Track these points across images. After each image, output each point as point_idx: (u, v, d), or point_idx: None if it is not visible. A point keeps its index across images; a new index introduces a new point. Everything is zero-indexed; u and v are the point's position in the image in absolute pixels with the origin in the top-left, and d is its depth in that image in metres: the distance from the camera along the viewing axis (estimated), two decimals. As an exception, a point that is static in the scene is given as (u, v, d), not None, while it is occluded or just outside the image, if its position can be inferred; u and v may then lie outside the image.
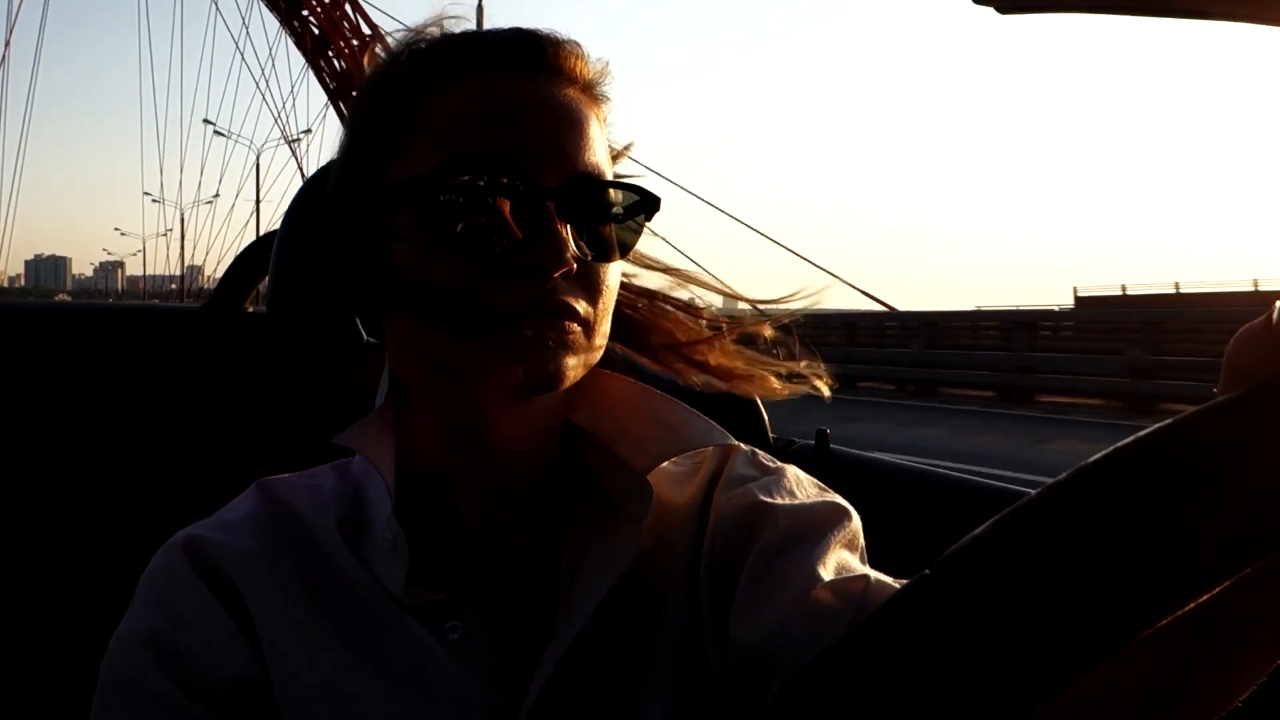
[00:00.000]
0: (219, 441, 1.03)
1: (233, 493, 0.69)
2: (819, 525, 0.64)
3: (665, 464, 0.67)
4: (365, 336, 0.68)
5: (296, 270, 0.88)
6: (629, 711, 0.62)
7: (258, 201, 56.84)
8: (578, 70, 0.64)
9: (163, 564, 0.63)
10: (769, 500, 0.65)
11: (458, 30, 0.66)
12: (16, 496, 1.02)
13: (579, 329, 0.61)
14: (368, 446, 0.64)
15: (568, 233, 0.60)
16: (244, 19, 48.88)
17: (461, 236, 0.59)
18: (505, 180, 0.59)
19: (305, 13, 43.31)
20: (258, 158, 58.69)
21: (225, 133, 51.34)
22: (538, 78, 0.63)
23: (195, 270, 64.11)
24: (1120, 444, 0.38)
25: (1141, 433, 0.38)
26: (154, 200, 69.05)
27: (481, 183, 0.59)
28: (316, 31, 43.43)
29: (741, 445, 0.71)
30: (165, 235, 76.56)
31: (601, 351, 0.65)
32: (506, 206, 0.59)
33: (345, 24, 43.65)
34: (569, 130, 0.62)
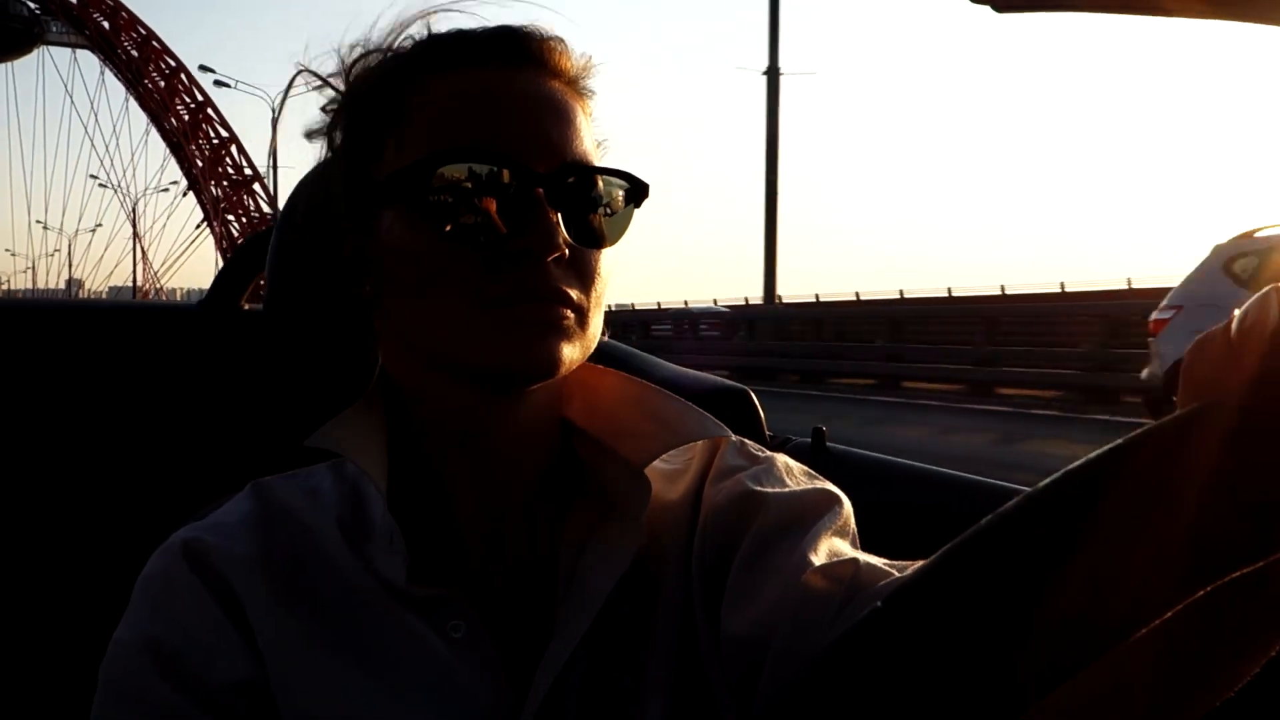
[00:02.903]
0: (217, 440, 1.01)
1: (230, 492, 0.68)
2: (809, 513, 0.64)
3: (659, 462, 0.67)
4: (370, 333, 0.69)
5: (293, 267, 0.87)
6: (628, 707, 0.62)
7: (72, 276, 66.96)
8: (562, 64, 0.65)
9: (160, 566, 0.62)
10: (759, 489, 0.65)
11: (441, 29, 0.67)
12: (11, 495, 1.00)
13: (572, 315, 0.61)
14: (349, 445, 0.63)
15: (558, 219, 0.60)
16: (93, 104, 58.69)
17: (453, 225, 0.60)
18: (495, 168, 0.60)
19: (146, 82, 53.67)
20: (71, 242, 69.01)
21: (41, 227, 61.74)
22: (523, 71, 0.63)
23: (77, 283, 72.81)
24: (1057, 475, 0.38)
25: (1077, 463, 0.38)
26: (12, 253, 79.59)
27: (471, 171, 0.60)
28: (158, 97, 53.84)
29: (731, 436, 0.71)
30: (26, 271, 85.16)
31: (596, 341, 0.65)
32: (497, 194, 0.60)
33: (180, 88, 54.13)
34: (556, 120, 0.63)
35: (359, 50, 0.68)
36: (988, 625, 0.37)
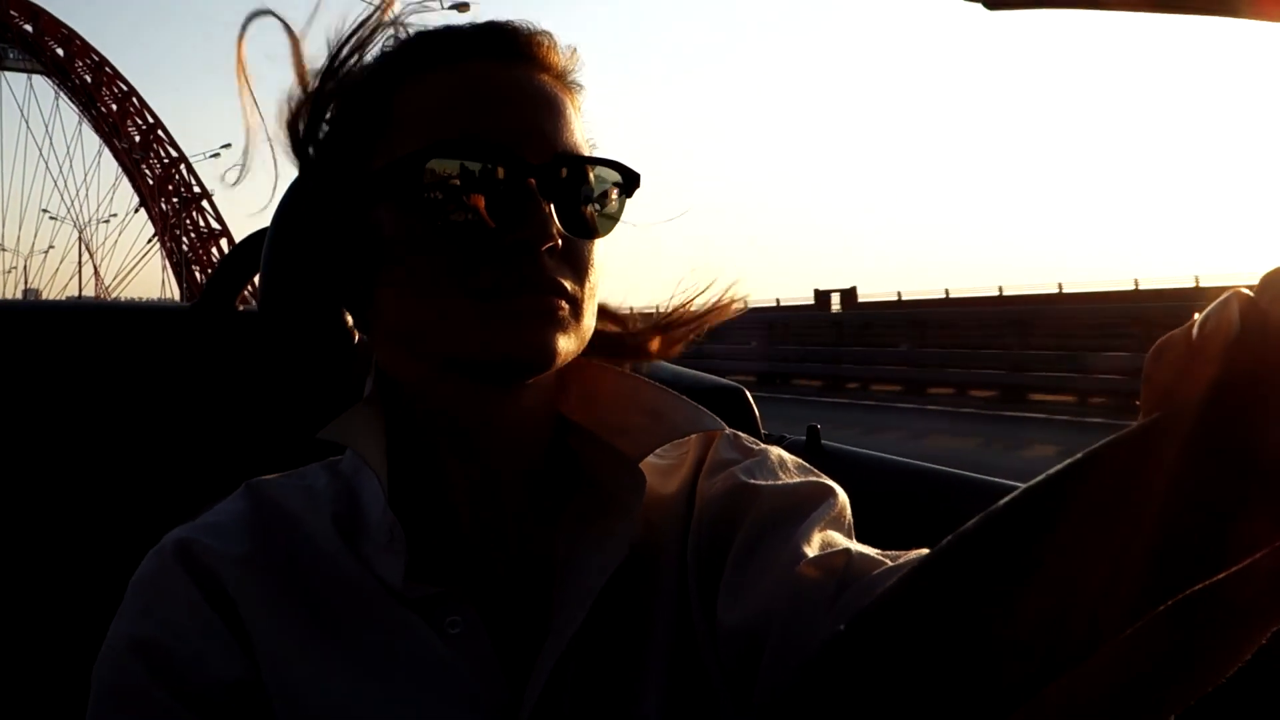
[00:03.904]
0: (210, 440, 1.01)
1: (224, 492, 0.68)
2: (803, 505, 0.64)
3: (653, 457, 0.67)
4: (356, 335, 0.69)
5: (287, 267, 0.88)
6: (625, 702, 0.62)
7: (29, 286, 69.50)
8: (550, 58, 0.65)
9: (153, 567, 0.62)
10: (752, 482, 0.66)
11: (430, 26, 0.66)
12: (5, 495, 1.00)
13: (567, 306, 0.61)
14: (355, 440, 0.63)
15: (551, 210, 0.61)
16: (48, 128, 61.72)
17: (446, 218, 0.60)
18: (487, 160, 0.60)
19: (99, 106, 56.96)
20: (26, 261, 71.54)
21: None
22: (513, 65, 0.63)
23: (34, 292, 75.27)
24: (1017, 493, 0.39)
25: (1039, 478, 0.39)
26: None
27: (464, 164, 0.60)
28: (110, 120, 57.13)
29: (725, 429, 0.71)
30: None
31: (590, 333, 0.65)
32: (490, 186, 0.60)
33: (131, 110, 57.47)
34: (547, 112, 0.63)
35: (345, 47, 0.67)
36: (954, 643, 0.37)
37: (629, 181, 0.66)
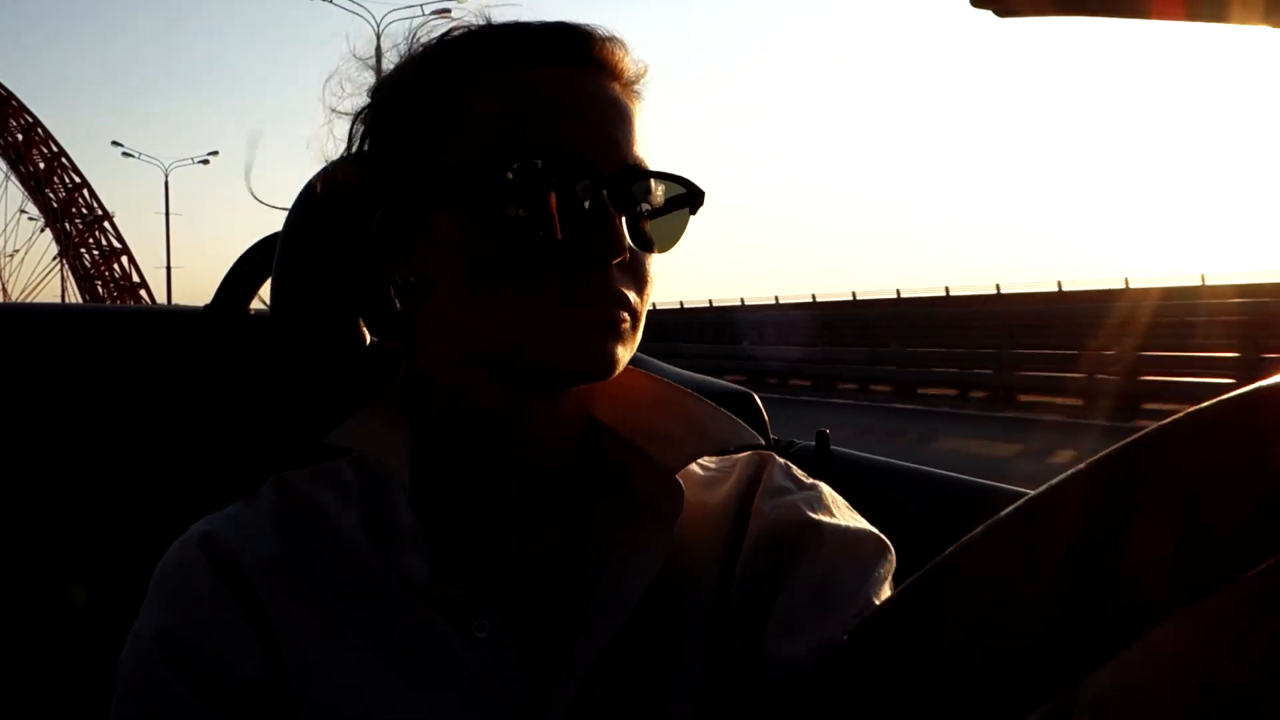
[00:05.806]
0: (223, 442, 1.00)
1: (240, 493, 0.68)
2: (867, 553, 0.64)
3: (694, 466, 0.66)
4: (369, 338, 0.68)
5: (300, 270, 0.87)
6: (653, 710, 0.61)
7: None
8: (622, 66, 0.64)
9: (177, 559, 0.62)
10: (815, 517, 0.65)
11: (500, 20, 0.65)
12: (22, 498, 1.02)
13: (628, 318, 0.61)
14: (372, 442, 0.63)
15: (622, 222, 0.60)
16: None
17: (518, 223, 0.59)
18: (563, 169, 0.59)
19: (5, 136, 61.87)
20: None
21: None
22: (586, 71, 0.62)
23: None
24: (1011, 509, 0.38)
25: (1039, 489, 0.38)
26: None
27: (539, 171, 0.58)
28: (17, 149, 62.06)
29: (776, 455, 0.71)
30: None
31: (637, 344, 0.64)
32: (565, 195, 0.59)
33: (36, 139, 62.44)
34: (618, 122, 0.62)
35: (414, 41, 0.66)
36: (957, 652, 0.37)
37: (694, 197, 0.65)
